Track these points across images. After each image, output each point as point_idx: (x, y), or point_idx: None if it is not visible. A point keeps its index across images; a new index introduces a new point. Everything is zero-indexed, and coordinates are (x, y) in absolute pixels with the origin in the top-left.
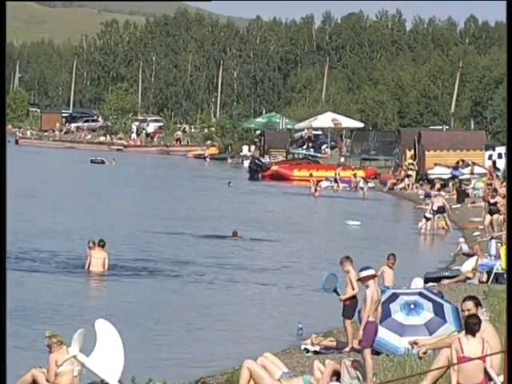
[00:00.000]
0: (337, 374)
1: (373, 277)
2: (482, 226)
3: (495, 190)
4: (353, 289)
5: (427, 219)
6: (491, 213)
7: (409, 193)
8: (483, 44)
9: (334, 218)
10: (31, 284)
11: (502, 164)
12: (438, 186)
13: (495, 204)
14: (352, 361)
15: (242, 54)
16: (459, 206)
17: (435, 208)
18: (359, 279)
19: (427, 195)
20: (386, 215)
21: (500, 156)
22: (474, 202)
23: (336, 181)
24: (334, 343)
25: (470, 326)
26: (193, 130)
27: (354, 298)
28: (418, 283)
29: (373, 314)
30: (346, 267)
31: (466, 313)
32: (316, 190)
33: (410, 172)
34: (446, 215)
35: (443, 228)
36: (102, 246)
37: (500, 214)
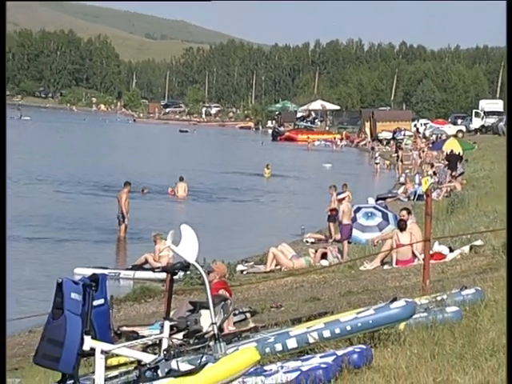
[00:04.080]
0: (324, 255)
1: (344, 198)
2: (411, 167)
3: (401, 148)
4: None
5: (376, 164)
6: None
7: (367, 147)
8: (410, 58)
9: (318, 163)
10: (141, 205)
11: (421, 129)
12: (384, 142)
13: (398, 157)
14: (334, 247)
15: (266, 66)
16: (396, 154)
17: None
18: (338, 200)
19: (372, 148)
20: (352, 160)
21: (421, 125)
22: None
23: (338, 141)
24: (323, 237)
25: (400, 225)
26: (238, 112)
27: (335, 209)
28: (370, 201)
29: (347, 219)
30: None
31: (402, 217)
32: (310, 146)
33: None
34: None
35: (387, 167)
36: (182, 180)
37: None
